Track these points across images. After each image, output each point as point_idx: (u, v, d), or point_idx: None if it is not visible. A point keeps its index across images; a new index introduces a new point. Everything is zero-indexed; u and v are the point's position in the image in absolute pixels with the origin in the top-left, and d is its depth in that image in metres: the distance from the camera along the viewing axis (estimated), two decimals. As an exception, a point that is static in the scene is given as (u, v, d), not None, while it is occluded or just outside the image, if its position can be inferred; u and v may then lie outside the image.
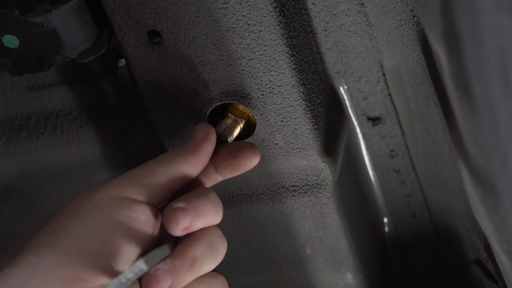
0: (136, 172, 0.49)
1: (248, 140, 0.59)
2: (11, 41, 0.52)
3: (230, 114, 0.57)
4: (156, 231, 0.48)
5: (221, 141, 0.55)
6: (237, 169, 0.52)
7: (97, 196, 0.47)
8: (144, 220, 0.46)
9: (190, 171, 0.50)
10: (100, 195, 0.47)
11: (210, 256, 0.48)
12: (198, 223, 0.47)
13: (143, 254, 0.46)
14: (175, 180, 0.49)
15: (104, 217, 0.46)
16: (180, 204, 0.47)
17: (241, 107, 0.57)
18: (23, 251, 0.44)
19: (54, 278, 0.43)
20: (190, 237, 0.48)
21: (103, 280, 0.44)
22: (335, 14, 0.58)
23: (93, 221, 0.45)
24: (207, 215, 0.48)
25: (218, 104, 0.57)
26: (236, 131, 0.57)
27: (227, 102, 0.57)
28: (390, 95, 0.63)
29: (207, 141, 0.51)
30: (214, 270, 0.50)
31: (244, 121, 0.57)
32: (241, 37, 0.53)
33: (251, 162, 0.52)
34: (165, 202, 0.49)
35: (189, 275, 0.47)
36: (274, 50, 0.54)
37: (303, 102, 0.57)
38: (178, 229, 0.46)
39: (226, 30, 0.53)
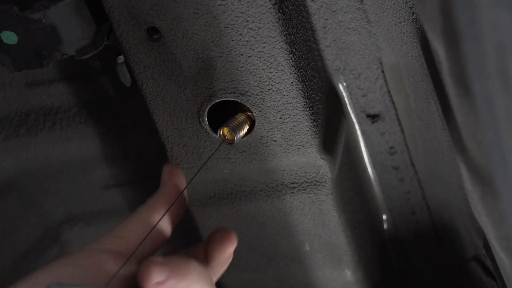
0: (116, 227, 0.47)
1: (247, 137, 0.59)
2: (10, 37, 0.52)
3: (240, 113, 0.57)
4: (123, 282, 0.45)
5: (231, 139, 0.56)
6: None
7: (84, 248, 0.46)
8: (109, 268, 0.44)
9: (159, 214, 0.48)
10: (85, 248, 0.46)
11: None
12: (175, 283, 0.43)
13: None
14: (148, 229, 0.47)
15: (70, 262, 0.44)
16: (157, 259, 0.43)
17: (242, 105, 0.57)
18: None
19: None
20: None
21: None
22: (334, 11, 0.58)
23: (63, 265, 0.43)
24: (187, 277, 0.44)
25: (217, 101, 0.57)
26: (245, 129, 0.57)
27: (226, 99, 0.57)
28: (389, 92, 0.63)
29: (173, 178, 0.50)
30: None
31: (250, 120, 0.58)
32: (240, 34, 0.53)
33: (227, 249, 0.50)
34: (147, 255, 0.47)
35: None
36: (273, 47, 0.54)
37: (302, 99, 0.57)
38: (150, 282, 0.42)
39: (225, 27, 0.53)
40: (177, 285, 0.43)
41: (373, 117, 0.64)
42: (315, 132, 0.59)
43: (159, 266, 0.43)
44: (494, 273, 0.67)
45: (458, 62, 0.36)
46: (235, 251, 0.51)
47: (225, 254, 0.50)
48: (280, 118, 0.58)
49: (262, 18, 0.52)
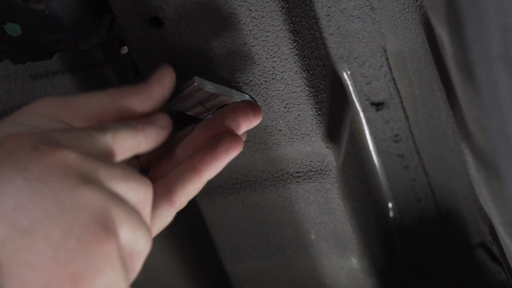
0: (69, 97, 0.45)
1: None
2: (13, 29, 0.52)
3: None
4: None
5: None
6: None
7: (25, 111, 0.44)
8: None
9: (132, 107, 0.47)
10: (27, 110, 0.44)
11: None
12: None
13: None
14: (110, 113, 0.46)
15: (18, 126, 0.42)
16: None
17: None
18: None
19: None
20: None
21: None
22: (337, -1, 0.58)
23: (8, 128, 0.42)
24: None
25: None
26: None
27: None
28: (393, 79, 0.62)
29: (158, 83, 0.48)
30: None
31: None
32: (243, 23, 0.53)
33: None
34: None
35: None
36: (277, 36, 0.54)
37: (306, 88, 0.57)
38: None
39: (228, 16, 0.52)
40: None
41: (378, 105, 0.64)
42: (319, 121, 0.59)
43: None
44: (500, 259, 0.67)
45: (462, 47, 0.36)
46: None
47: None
48: (285, 107, 0.58)
49: (265, 7, 0.52)
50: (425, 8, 0.52)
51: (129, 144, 0.45)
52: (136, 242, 0.40)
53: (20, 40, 0.53)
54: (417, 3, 0.54)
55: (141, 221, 0.41)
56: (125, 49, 0.60)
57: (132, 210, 0.41)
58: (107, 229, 0.38)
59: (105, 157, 0.42)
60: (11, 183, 0.37)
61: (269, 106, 0.58)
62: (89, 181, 0.39)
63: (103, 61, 0.66)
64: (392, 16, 0.58)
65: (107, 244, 0.38)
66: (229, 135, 0.49)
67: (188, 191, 0.49)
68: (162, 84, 0.49)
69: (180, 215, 0.50)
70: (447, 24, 0.38)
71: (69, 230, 0.37)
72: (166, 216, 0.49)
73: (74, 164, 0.39)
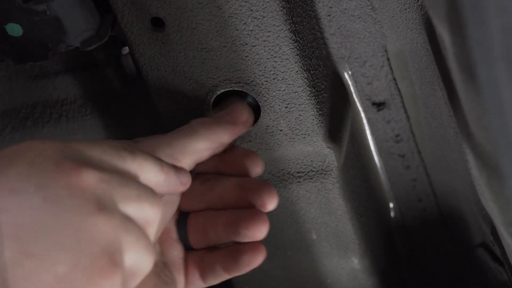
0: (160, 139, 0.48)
1: (252, 127, 0.59)
2: (15, 29, 0.52)
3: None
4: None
5: None
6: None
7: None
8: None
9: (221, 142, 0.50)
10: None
11: None
12: None
13: None
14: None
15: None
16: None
17: None
18: None
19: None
20: None
21: None
22: (338, -1, 0.58)
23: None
24: None
25: (222, 91, 0.57)
26: None
27: (231, 89, 0.57)
28: (394, 79, 0.62)
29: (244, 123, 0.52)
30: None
31: None
32: (244, 23, 0.53)
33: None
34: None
35: None
36: (278, 36, 0.54)
37: (307, 88, 0.57)
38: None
39: (229, 16, 0.52)
40: None
41: (379, 105, 0.64)
42: (320, 121, 0.59)
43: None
44: (501, 259, 0.67)
45: (463, 47, 0.36)
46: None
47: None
48: (286, 107, 0.58)
49: (266, 7, 0.52)
50: (426, 8, 0.52)
51: (149, 177, 0.45)
52: (140, 264, 0.41)
53: (21, 40, 0.53)
54: (418, 3, 0.54)
55: (147, 244, 0.41)
56: (126, 50, 0.60)
57: (140, 234, 0.41)
58: (115, 262, 0.38)
59: (125, 177, 0.42)
60: (29, 200, 0.36)
61: (270, 106, 0.58)
62: (105, 208, 0.38)
63: (104, 61, 0.66)
64: (393, 16, 0.58)
65: (112, 278, 0.38)
66: (251, 247, 0.51)
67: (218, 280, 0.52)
68: (245, 123, 0.53)
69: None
70: (448, 24, 0.38)
71: (77, 261, 0.37)
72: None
73: (94, 187, 0.38)
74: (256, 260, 0.51)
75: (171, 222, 0.52)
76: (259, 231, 0.50)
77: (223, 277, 0.52)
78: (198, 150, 0.49)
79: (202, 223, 0.52)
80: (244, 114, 0.52)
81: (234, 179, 0.52)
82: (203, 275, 0.52)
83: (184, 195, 0.51)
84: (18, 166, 0.37)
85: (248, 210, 0.51)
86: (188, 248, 0.53)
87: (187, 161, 0.48)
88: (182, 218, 0.53)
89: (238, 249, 0.51)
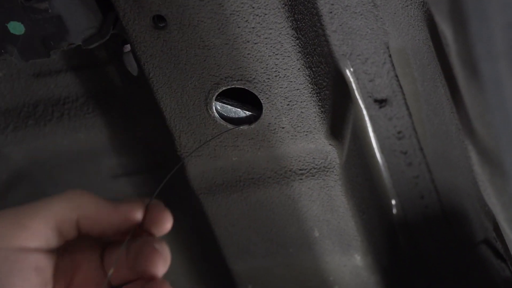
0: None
1: (255, 124, 0.59)
2: (17, 27, 0.52)
3: None
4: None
5: None
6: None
7: None
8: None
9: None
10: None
11: None
12: None
13: None
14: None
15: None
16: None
17: None
18: None
19: None
20: None
21: None
22: (340, -4, 0.57)
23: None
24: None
25: (224, 88, 0.57)
26: None
27: (232, 86, 0.57)
28: (396, 76, 0.62)
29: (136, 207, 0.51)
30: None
31: None
32: (246, 21, 0.53)
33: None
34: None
35: None
36: (279, 33, 0.54)
37: (309, 85, 0.57)
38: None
39: (230, 14, 0.52)
40: None
41: (381, 102, 0.64)
42: (322, 118, 0.59)
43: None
44: (504, 255, 0.67)
45: (466, 44, 0.36)
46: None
47: (164, 230, 0.53)
48: (288, 104, 0.58)
49: (268, 4, 0.52)
50: (428, 4, 0.52)
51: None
52: None
53: (24, 38, 0.53)
54: (420, 0, 0.54)
55: None
56: (128, 48, 0.60)
57: None
58: None
59: None
60: None
61: (272, 104, 0.58)
62: None
63: (106, 59, 0.66)
64: (395, 13, 0.58)
65: None
66: None
67: None
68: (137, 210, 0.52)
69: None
70: (450, 21, 0.38)
71: None
72: None
73: None
74: None
75: None
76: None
77: None
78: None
79: None
80: (134, 203, 0.52)
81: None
82: None
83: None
84: None
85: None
86: None
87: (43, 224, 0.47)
88: None
89: None
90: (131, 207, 0.50)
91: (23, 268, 0.45)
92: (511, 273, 0.68)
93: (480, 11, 0.34)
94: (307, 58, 0.56)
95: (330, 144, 0.61)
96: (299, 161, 0.62)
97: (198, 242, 0.77)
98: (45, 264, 0.46)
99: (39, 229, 0.46)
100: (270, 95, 0.57)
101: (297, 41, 0.55)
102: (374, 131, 0.65)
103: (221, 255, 0.71)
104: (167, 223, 0.52)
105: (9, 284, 0.44)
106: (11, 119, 0.70)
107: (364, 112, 0.64)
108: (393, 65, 0.62)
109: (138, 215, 0.50)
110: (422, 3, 0.54)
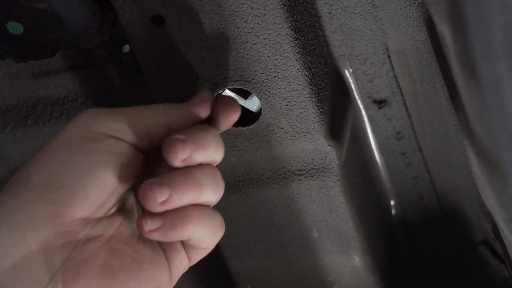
0: (118, 109, 0.48)
1: (253, 125, 0.59)
2: (15, 27, 0.52)
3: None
4: (136, 170, 0.47)
5: None
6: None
7: (71, 128, 0.46)
8: (119, 154, 0.45)
9: (180, 120, 0.49)
10: (74, 127, 0.46)
11: (212, 187, 0.47)
12: (199, 156, 0.46)
13: (124, 189, 0.45)
14: (160, 126, 0.48)
15: (76, 150, 0.45)
16: (179, 136, 0.45)
17: None
18: (0, 191, 0.44)
19: (31, 215, 0.42)
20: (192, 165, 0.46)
21: (81, 213, 0.43)
22: (339, -3, 0.58)
23: (65, 154, 0.45)
24: (208, 149, 0.46)
25: (223, 89, 0.57)
26: None
27: (231, 87, 0.57)
28: (395, 77, 0.62)
29: (205, 103, 0.50)
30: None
31: None
32: (245, 21, 0.53)
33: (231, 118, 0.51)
34: (149, 147, 0.48)
35: (188, 195, 0.45)
36: (279, 34, 0.54)
37: (308, 86, 0.57)
38: (177, 160, 0.45)
39: (229, 14, 0.52)
40: (200, 157, 0.46)
41: (380, 103, 0.64)
42: (321, 119, 0.59)
43: (183, 144, 0.45)
44: (503, 256, 0.67)
45: (465, 45, 0.36)
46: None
47: (231, 122, 0.51)
48: (287, 105, 0.58)
49: (267, 5, 0.52)
50: (427, 5, 0.52)
51: None
52: None
53: (22, 38, 0.53)
54: (419, 1, 0.54)
55: None
56: (127, 48, 0.60)
57: None
58: None
59: None
60: None
61: (271, 104, 0.58)
62: None
63: (105, 59, 0.66)
64: (394, 14, 0.58)
65: None
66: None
67: None
68: (205, 107, 0.50)
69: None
70: (449, 22, 0.38)
71: None
72: None
73: None
74: None
75: None
76: None
77: None
78: (153, 118, 0.48)
79: None
80: (203, 98, 0.50)
81: None
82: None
83: None
84: None
85: None
86: None
87: (141, 127, 0.47)
88: None
89: None
90: (202, 106, 0.50)
91: (113, 152, 0.45)
92: (510, 274, 0.68)
93: (478, 12, 0.34)
94: (306, 58, 0.56)
95: (329, 145, 0.61)
96: (298, 161, 0.62)
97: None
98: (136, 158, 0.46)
99: (134, 126, 0.46)
100: (269, 96, 0.57)
101: (296, 41, 0.55)
102: (373, 131, 0.65)
103: (220, 255, 0.71)
104: (235, 114, 0.51)
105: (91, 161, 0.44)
106: (10, 118, 0.70)
107: (363, 112, 0.64)
108: (392, 65, 0.62)
109: (208, 111, 0.50)
110: (421, 4, 0.54)
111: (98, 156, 0.45)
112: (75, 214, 0.43)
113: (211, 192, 0.47)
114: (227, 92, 0.57)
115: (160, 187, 0.44)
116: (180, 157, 0.45)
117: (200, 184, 0.46)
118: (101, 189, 0.44)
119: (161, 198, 0.44)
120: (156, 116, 0.48)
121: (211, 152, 0.47)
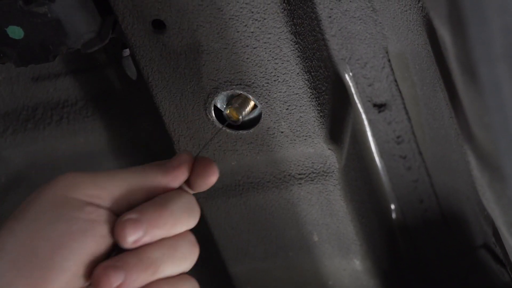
0: (96, 173, 0.46)
1: (254, 129, 0.59)
2: (16, 32, 0.52)
3: (241, 93, 0.57)
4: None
5: (232, 122, 0.56)
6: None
7: (48, 194, 0.44)
8: (98, 223, 0.43)
9: (158, 185, 0.46)
10: (51, 193, 0.44)
11: (172, 261, 0.45)
12: (155, 234, 0.44)
13: (102, 257, 0.44)
14: (138, 191, 0.46)
15: (53, 219, 0.43)
16: (132, 215, 0.43)
17: None
18: None
19: (11, 286, 0.42)
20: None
21: (60, 284, 0.42)
22: (339, 0, 0.58)
23: (42, 223, 0.43)
24: (164, 226, 0.44)
25: (223, 93, 0.57)
26: (248, 109, 0.57)
27: (231, 90, 0.57)
28: (395, 80, 0.62)
29: (183, 167, 0.48)
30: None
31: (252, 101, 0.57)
32: (245, 25, 0.53)
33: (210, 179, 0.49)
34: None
35: (144, 276, 0.43)
36: (279, 38, 0.54)
37: (308, 89, 0.57)
38: (127, 243, 0.43)
39: (229, 18, 0.53)
40: (157, 234, 0.44)
41: (380, 106, 0.64)
42: (321, 123, 0.59)
43: (134, 225, 0.43)
44: (503, 260, 0.67)
45: (464, 48, 0.36)
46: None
47: (207, 185, 0.49)
48: (287, 109, 0.58)
49: (267, 9, 0.52)
50: (427, 9, 0.52)
51: None
52: None
53: (23, 43, 0.53)
54: (419, 5, 0.54)
55: None
56: (127, 52, 0.60)
57: None
58: None
59: None
60: None
61: (271, 108, 0.58)
62: None
63: (105, 63, 0.66)
64: (394, 18, 0.58)
65: None
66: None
67: None
68: (185, 169, 0.48)
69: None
70: (449, 25, 0.38)
71: None
72: None
73: None
74: None
75: None
76: None
77: None
78: (132, 183, 0.46)
79: None
80: (182, 160, 0.48)
81: None
82: None
83: None
84: None
85: None
86: None
87: (120, 192, 0.45)
88: None
89: None
90: (181, 170, 0.47)
91: (90, 220, 0.43)
92: (510, 278, 0.68)
93: (478, 15, 0.34)
94: (306, 62, 0.56)
95: (329, 149, 0.61)
96: (298, 165, 0.62)
97: (197, 245, 0.77)
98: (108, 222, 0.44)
99: (113, 191, 0.45)
100: (269, 100, 0.57)
101: (296, 45, 0.55)
102: (373, 135, 0.65)
103: (220, 258, 0.71)
104: (213, 176, 0.48)
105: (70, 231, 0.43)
106: (10, 122, 0.70)
107: (363, 116, 0.65)
108: (392, 69, 0.62)
109: (186, 175, 0.48)
110: (421, 8, 0.54)
111: (78, 226, 0.43)
112: (54, 284, 0.42)
113: (173, 266, 0.45)
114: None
115: (115, 270, 0.42)
116: (130, 239, 0.43)
117: (155, 263, 0.44)
118: (80, 261, 0.43)
119: (116, 283, 0.42)
120: (134, 181, 0.46)
121: (168, 228, 0.45)
